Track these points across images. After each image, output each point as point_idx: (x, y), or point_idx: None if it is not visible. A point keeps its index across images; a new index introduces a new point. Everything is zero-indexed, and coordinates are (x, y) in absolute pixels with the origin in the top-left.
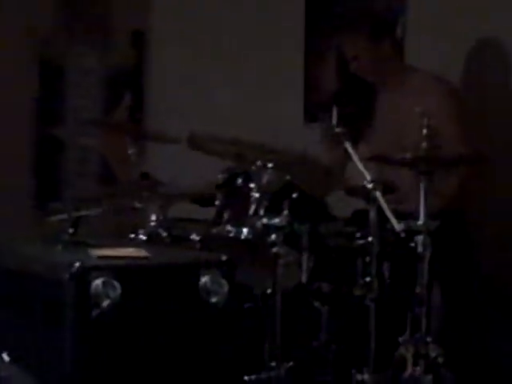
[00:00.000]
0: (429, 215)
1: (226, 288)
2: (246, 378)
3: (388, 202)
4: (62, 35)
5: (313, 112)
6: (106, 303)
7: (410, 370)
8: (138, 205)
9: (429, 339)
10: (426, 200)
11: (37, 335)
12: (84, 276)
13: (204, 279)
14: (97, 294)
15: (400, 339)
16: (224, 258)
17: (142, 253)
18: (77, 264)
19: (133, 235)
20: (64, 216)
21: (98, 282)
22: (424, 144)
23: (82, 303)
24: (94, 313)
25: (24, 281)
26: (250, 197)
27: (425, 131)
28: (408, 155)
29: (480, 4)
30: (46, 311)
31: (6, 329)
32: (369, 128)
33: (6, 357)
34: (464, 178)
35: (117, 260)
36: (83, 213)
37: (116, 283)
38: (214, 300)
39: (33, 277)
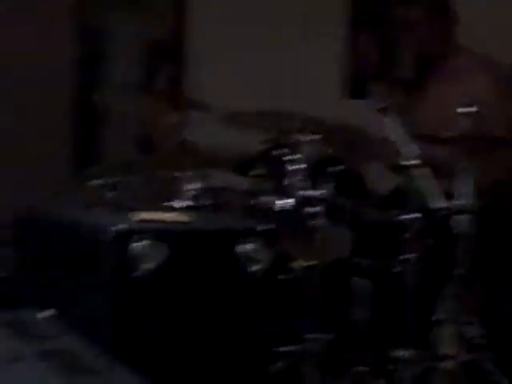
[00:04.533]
0: (474, 195)
1: (266, 257)
2: (282, 349)
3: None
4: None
5: (355, 85)
6: (146, 266)
7: (448, 349)
8: (177, 173)
9: (468, 319)
10: (469, 179)
11: (79, 296)
12: (125, 238)
13: (245, 247)
14: (138, 257)
15: (438, 317)
16: (266, 227)
17: (184, 218)
18: (119, 226)
19: (172, 202)
20: (103, 181)
21: (139, 244)
22: (469, 123)
23: (123, 266)
24: (135, 275)
25: (67, 243)
26: (291, 168)
27: (471, 110)
28: (453, 134)
29: None
30: (87, 273)
31: (50, 288)
32: (416, 103)
33: (48, 313)
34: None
35: (158, 224)
36: (122, 179)
37: (157, 246)
38: (254, 268)
39: (76, 239)
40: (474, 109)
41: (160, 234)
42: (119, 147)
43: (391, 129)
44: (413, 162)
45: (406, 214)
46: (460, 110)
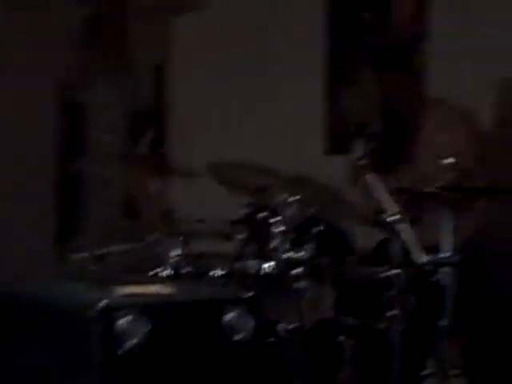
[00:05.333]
0: (454, 248)
1: (251, 325)
2: None
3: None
4: (86, 73)
5: (335, 143)
6: (132, 341)
7: None
8: (160, 240)
9: (453, 373)
10: (451, 232)
11: (64, 373)
12: (110, 314)
13: (229, 316)
14: (123, 333)
15: (424, 373)
16: (249, 294)
17: (167, 290)
18: (103, 302)
19: (155, 271)
20: (87, 253)
21: (124, 320)
22: (450, 175)
23: (109, 341)
24: (121, 351)
25: (50, 318)
26: (273, 231)
27: (450, 162)
28: (433, 188)
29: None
30: (73, 349)
31: (33, 366)
32: (399, 162)
33: None
34: (484, 211)
35: (142, 298)
36: (106, 250)
37: (142, 321)
38: (238, 337)
39: (59, 314)
40: (454, 160)
41: (144, 308)
42: (103, 216)
43: (373, 184)
44: (395, 218)
45: (390, 270)
46: (441, 162)
